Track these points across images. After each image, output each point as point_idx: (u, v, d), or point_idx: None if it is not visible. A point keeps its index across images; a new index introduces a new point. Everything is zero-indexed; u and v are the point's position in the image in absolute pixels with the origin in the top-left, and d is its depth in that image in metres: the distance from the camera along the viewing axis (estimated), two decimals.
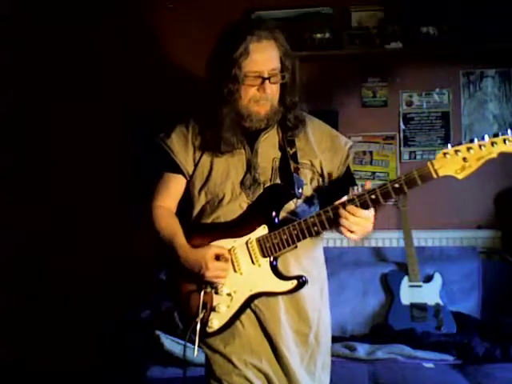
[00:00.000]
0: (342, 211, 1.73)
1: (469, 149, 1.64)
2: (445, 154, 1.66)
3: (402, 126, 3.59)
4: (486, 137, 1.64)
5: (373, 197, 1.73)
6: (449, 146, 1.67)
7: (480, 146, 1.63)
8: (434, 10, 3.36)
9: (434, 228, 3.54)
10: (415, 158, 3.59)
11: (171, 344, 2.78)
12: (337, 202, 1.78)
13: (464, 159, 1.65)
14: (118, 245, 3.51)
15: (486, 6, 3.28)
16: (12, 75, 3.62)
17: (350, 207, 1.72)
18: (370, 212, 1.77)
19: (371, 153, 3.59)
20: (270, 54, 1.84)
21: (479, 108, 3.57)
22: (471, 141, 1.65)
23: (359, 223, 1.73)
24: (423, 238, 3.51)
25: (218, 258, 1.84)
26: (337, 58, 3.46)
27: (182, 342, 2.71)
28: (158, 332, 2.84)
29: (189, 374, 2.02)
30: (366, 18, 3.50)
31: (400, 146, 3.59)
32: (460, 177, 1.68)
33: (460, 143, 1.66)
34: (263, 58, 1.83)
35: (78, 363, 3.37)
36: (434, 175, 1.68)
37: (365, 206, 1.73)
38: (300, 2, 3.49)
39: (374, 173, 3.59)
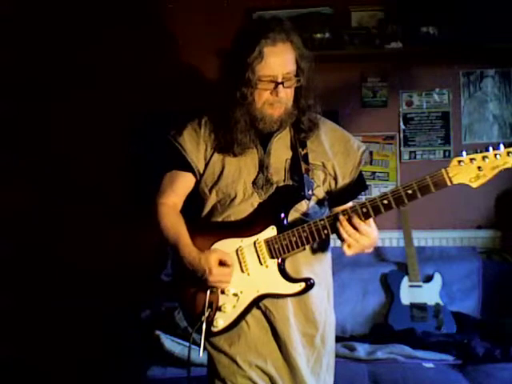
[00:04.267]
0: (344, 223, 1.73)
1: (484, 158, 1.64)
2: (459, 161, 1.65)
3: (402, 126, 3.59)
4: (502, 146, 1.63)
5: (385, 202, 1.72)
6: (464, 153, 1.66)
7: (495, 155, 1.63)
8: (434, 10, 3.35)
9: (434, 228, 3.54)
10: (415, 157, 3.59)
11: (171, 344, 2.79)
12: (343, 207, 1.81)
13: (479, 168, 1.64)
14: (119, 245, 3.52)
15: (486, 6, 3.28)
16: (12, 75, 3.62)
17: (355, 220, 1.73)
18: (374, 230, 1.78)
19: (371, 153, 3.58)
20: (285, 57, 1.80)
21: (479, 108, 3.57)
22: (486, 149, 1.64)
23: (358, 240, 1.74)
24: (423, 238, 3.51)
25: (221, 263, 1.82)
26: (337, 58, 3.46)
27: (182, 342, 2.74)
28: (158, 332, 2.85)
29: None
30: (366, 18, 3.49)
31: (400, 146, 3.59)
32: (474, 185, 1.67)
33: (475, 151, 1.65)
34: (277, 62, 1.78)
35: (78, 363, 3.37)
36: (449, 183, 1.67)
37: (376, 211, 1.73)
38: (300, 2, 3.49)
39: (374, 173, 3.59)
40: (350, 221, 1.74)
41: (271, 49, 1.78)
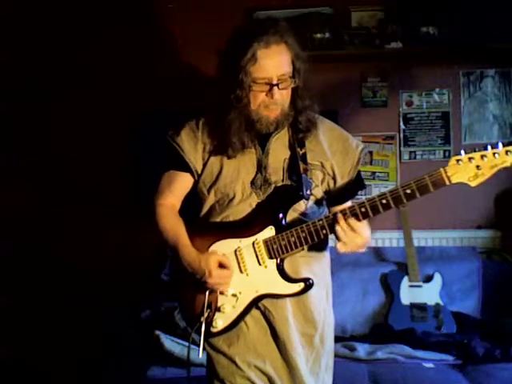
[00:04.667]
0: (342, 222, 1.74)
1: (483, 156, 1.63)
2: (458, 160, 1.65)
3: (402, 126, 3.59)
4: (500, 145, 1.63)
5: (384, 201, 1.72)
6: (462, 152, 1.66)
7: (494, 154, 1.63)
8: (434, 9, 3.35)
9: (434, 228, 3.54)
10: (415, 157, 3.59)
11: (171, 344, 2.79)
12: (341, 207, 1.81)
13: (477, 167, 1.64)
14: (119, 245, 3.52)
15: (486, 6, 3.28)
16: (12, 75, 3.62)
17: (351, 220, 1.73)
18: (366, 230, 1.78)
19: (371, 153, 3.58)
20: (280, 59, 1.79)
21: (479, 108, 3.57)
22: (485, 148, 1.64)
23: (353, 239, 1.74)
24: (423, 238, 3.51)
25: (221, 265, 1.82)
26: (337, 58, 3.46)
27: (182, 342, 2.74)
28: (157, 332, 2.85)
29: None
30: (366, 18, 3.49)
31: (400, 146, 3.59)
32: (473, 184, 1.67)
33: (474, 150, 1.65)
34: (272, 64, 1.77)
35: (78, 363, 3.37)
36: (447, 182, 1.67)
37: (374, 211, 1.73)
38: (300, 2, 3.49)
39: (373, 173, 3.59)
40: (347, 220, 1.74)
41: (265, 51, 1.76)
